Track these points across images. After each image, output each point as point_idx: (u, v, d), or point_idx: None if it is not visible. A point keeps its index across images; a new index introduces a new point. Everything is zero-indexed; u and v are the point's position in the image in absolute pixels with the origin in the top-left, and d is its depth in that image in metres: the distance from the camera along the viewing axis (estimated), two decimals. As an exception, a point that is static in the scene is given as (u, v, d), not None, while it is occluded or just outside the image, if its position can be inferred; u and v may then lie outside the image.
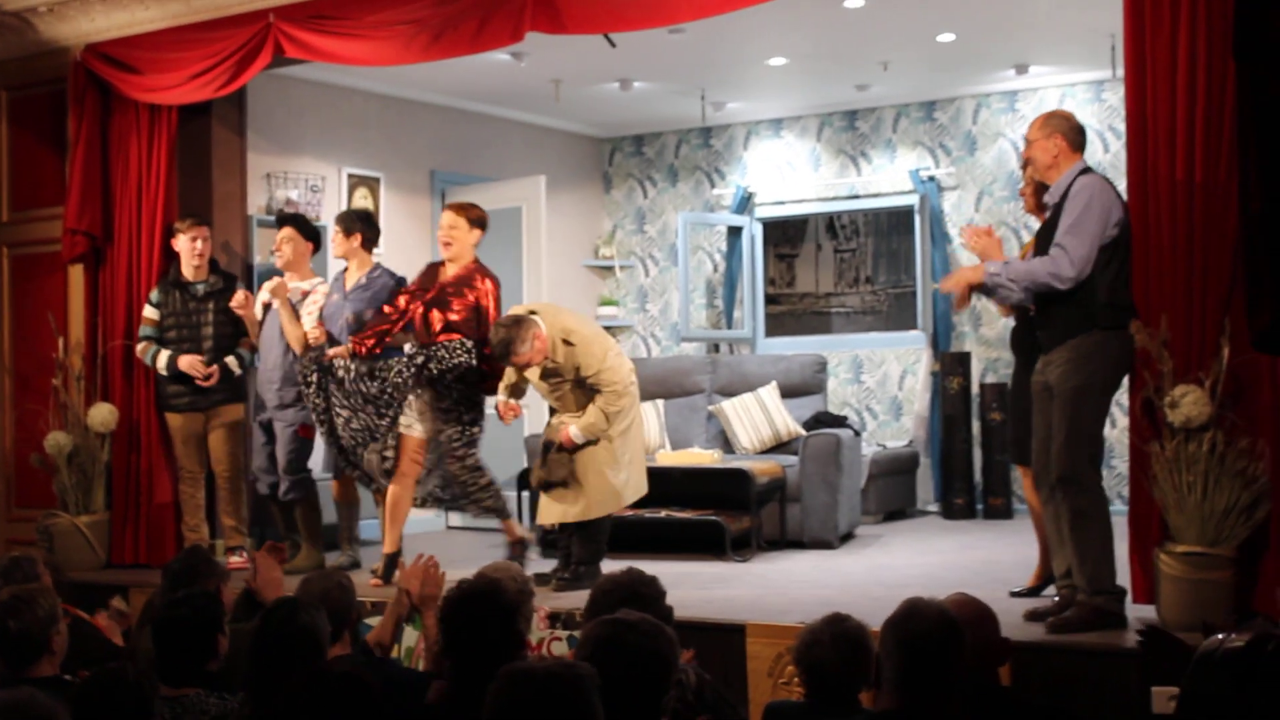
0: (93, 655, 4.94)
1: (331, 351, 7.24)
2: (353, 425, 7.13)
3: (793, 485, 8.37)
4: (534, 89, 10.19)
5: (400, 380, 7.12)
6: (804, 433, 8.80)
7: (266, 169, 9.27)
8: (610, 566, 6.45)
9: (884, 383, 10.90)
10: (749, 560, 7.86)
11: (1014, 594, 6.26)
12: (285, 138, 9.45)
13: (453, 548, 8.55)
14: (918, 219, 10.59)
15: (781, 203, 11.37)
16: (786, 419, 9.01)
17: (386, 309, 7.34)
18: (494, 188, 10.37)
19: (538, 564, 7.34)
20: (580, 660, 3.24)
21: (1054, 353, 5.47)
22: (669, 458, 8.48)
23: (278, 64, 7.86)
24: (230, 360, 7.88)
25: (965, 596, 4.04)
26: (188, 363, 7.79)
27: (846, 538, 8.65)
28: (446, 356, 7.09)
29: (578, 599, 5.83)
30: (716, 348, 11.43)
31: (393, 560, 7.03)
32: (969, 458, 10.00)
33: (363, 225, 7.73)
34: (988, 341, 10.43)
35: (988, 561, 7.61)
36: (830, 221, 11.32)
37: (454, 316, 7.10)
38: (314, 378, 7.22)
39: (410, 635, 5.54)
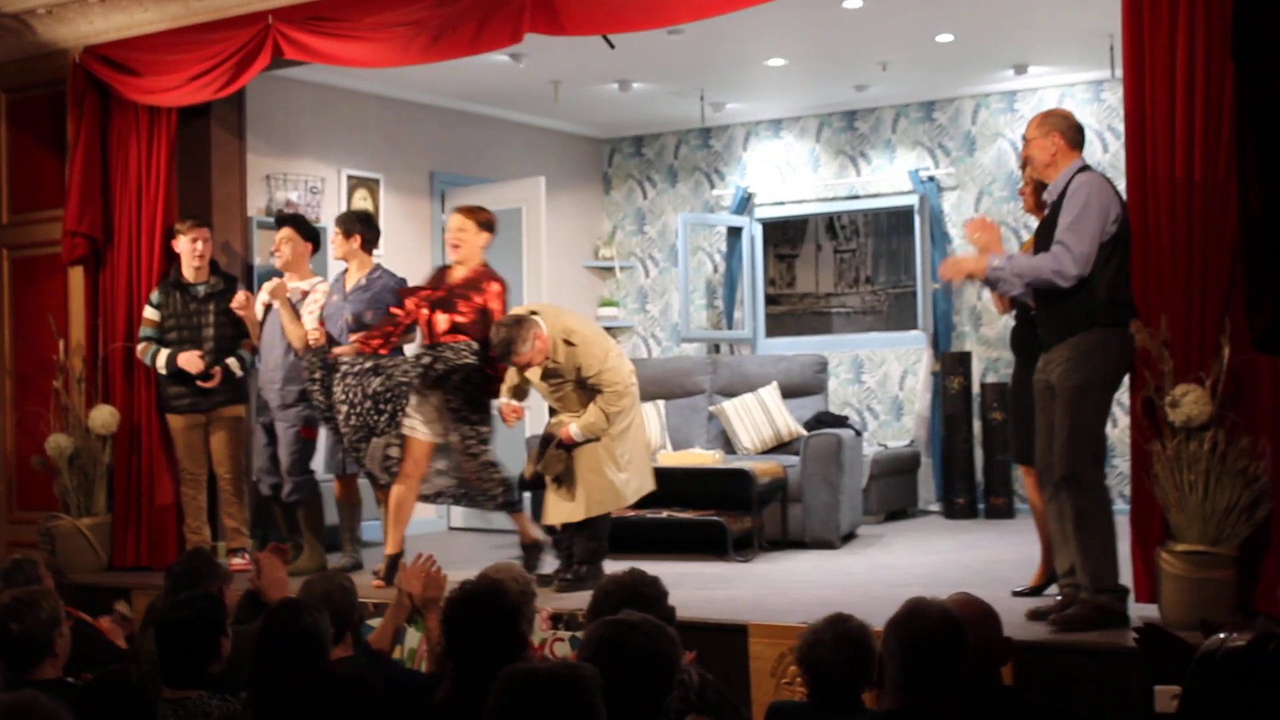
0: (95, 657, 4.93)
1: (337, 350, 7.24)
2: (351, 421, 7.12)
3: (794, 485, 8.37)
4: (533, 90, 10.20)
5: (405, 380, 7.12)
6: (805, 433, 8.81)
7: (266, 171, 9.27)
8: (612, 567, 6.45)
9: (885, 383, 10.91)
10: (751, 560, 7.86)
11: (1016, 593, 6.27)
12: (285, 139, 9.45)
13: (454, 549, 8.55)
14: (917, 219, 10.60)
15: (781, 203, 11.37)
16: (787, 419, 9.01)
17: (395, 311, 7.35)
18: (494, 189, 10.37)
19: (550, 565, 7.31)
20: (583, 661, 3.24)
21: (1054, 351, 5.48)
22: (670, 458, 8.49)
23: (277, 66, 7.87)
24: (231, 361, 7.89)
25: (967, 596, 4.04)
26: (186, 359, 7.79)
27: (848, 538, 8.65)
28: (452, 358, 7.10)
29: (580, 600, 5.84)
30: (717, 348, 11.43)
31: (395, 562, 7.02)
32: (970, 457, 10.00)
33: (362, 226, 7.75)
34: (988, 341, 10.44)
35: (989, 561, 7.61)
36: (830, 222, 11.32)
37: (461, 319, 7.11)
38: (318, 375, 7.22)
39: (413, 636, 5.55)
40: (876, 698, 3.72)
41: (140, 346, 7.94)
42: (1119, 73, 5.98)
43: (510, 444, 9.25)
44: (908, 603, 3.64)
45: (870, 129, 11.01)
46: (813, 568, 7.60)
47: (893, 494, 9.87)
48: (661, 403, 9.38)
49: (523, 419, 7.21)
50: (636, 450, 6.99)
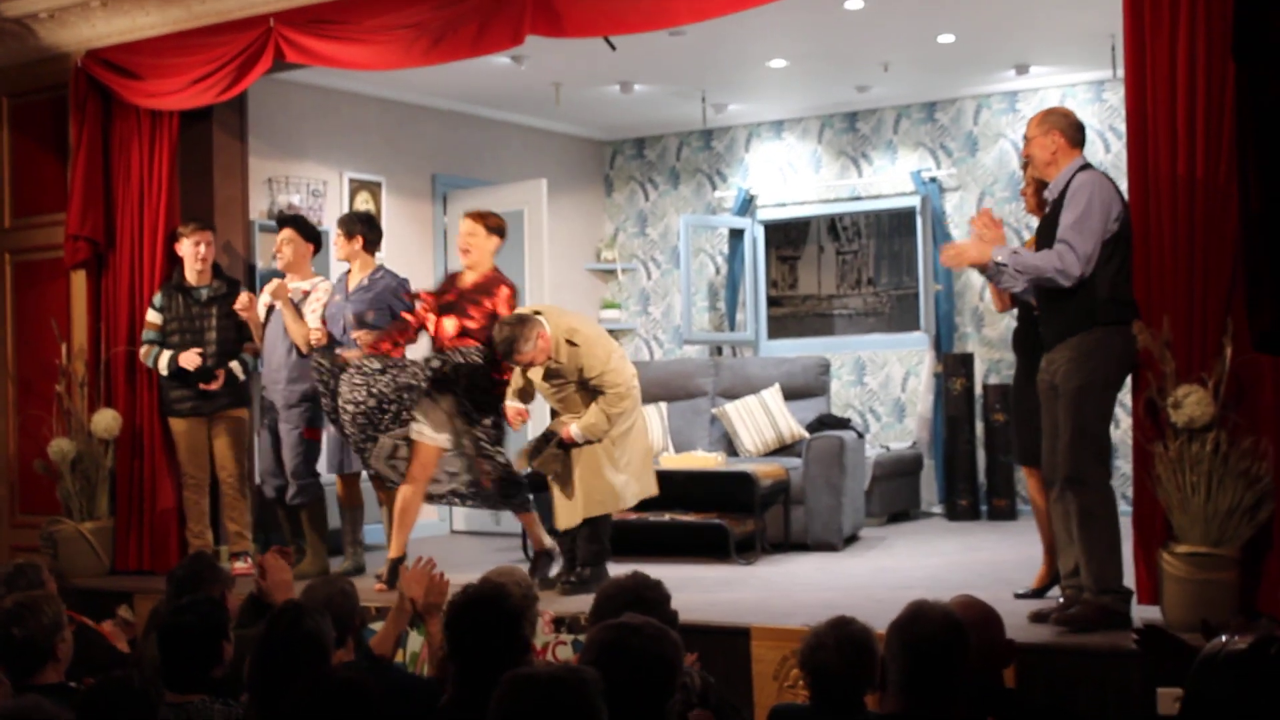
0: (98, 662, 4.94)
1: (346, 354, 7.25)
2: (359, 421, 7.12)
3: (796, 488, 8.37)
4: (535, 92, 10.20)
5: (414, 382, 7.13)
6: (807, 435, 8.80)
7: (268, 174, 9.28)
8: (614, 570, 6.46)
9: (887, 384, 10.90)
10: (753, 563, 7.86)
11: (1019, 595, 6.27)
12: (286, 142, 9.46)
13: (457, 552, 8.55)
14: (919, 220, 10.59)
15: (783, 205, 11.37)
16: (790, 421, 9.01)
17: (405, 315, 7.37)
18: (495, 191, 10.38)
19: (553, 569, 7.30)
20: (585, 665, 3.24)
21: (1056, 351, 5.48)
22: (672, 461, 8.49)
23: (278, 69, 7.87)
24: (234, 365, 7.89)
25: (970, 598, 4.04)
26: (188, 358, 7.79)
27: (850, 540, 8.65)
28: (462, 362, 7.11)
29: (583, 603, 5.83)
30: (719, 350, 11.43)
31: (397, 565, 7.02)
32: (972, 459, 10.00)
33: (363, 227, 7.76)
34: (990, 342, 10.43)
35: (992, 563, 7.61)
36: (832, 223, 11.32)
37: (471, 324, 7.11)
38: (326, 377, 7.22)
39: (415, 640, 5.55)
40: (879, 701, 3.72)
41: (143, 350, 7.95)
42: (1120, 73, 5.99)
43: (517, 446, 9.25)
44: (910, 605, 3.64)
45: (872, 130, 11.01)
46: (815, 570, 7.60)
47: (895, 496, 9.86)
48: (664, 405, 9.38)
49: (528, 421, 7.21)
50: (637, 454, 6.98)
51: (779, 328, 11.46)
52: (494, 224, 7.30)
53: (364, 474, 7.78)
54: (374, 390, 7.08)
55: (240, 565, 7.66)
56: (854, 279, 11.25)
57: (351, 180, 9.87)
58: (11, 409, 8.73)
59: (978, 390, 10.15)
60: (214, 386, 7.84)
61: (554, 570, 7.14)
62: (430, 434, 7.14)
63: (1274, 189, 4.55)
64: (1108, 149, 9.95)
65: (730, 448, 9.09)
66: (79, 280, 8.41)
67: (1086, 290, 5.37)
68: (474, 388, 7.14)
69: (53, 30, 8.41)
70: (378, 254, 7.87)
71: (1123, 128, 6.09)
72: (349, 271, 7.78)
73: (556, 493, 6.85)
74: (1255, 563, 5.19)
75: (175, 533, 8.07)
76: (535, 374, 6.88)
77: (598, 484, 6.80)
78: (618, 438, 6.85)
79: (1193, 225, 5.34)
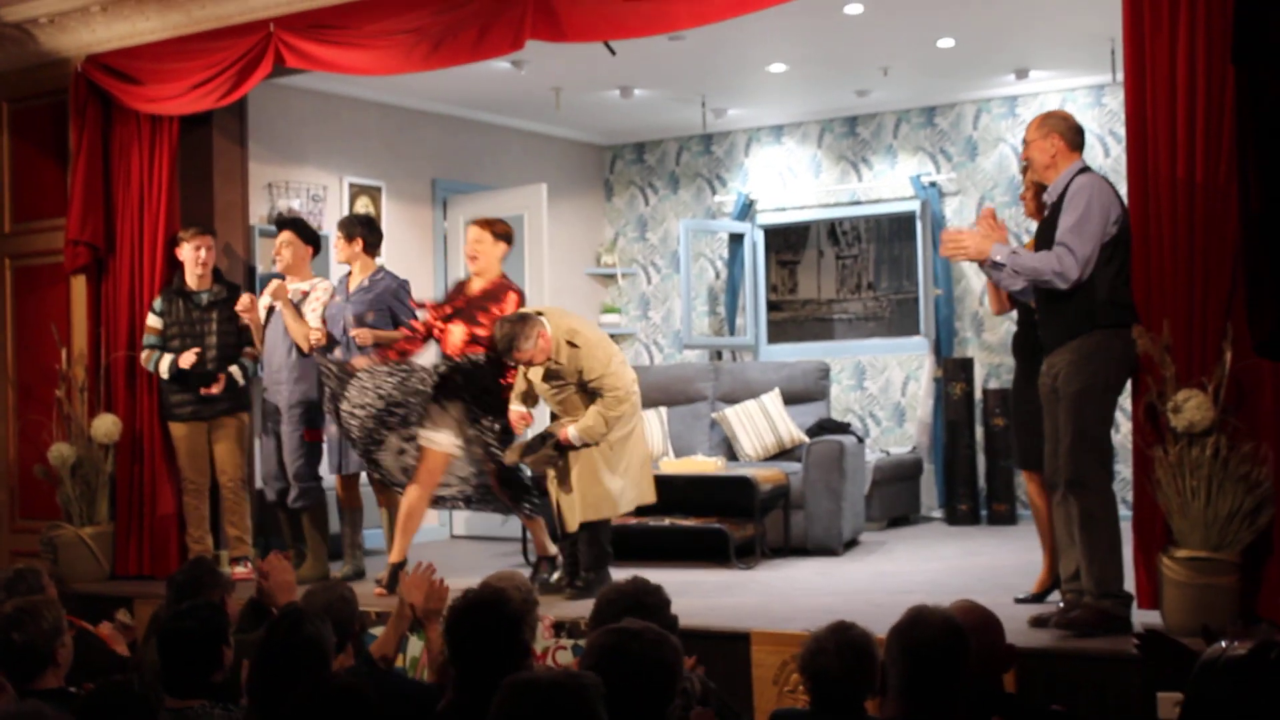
0: (98, 667, 4.94)
1: (356, 361, 7.26)
2: (368, 425, 7.13)
3: (796, 492, 8.37)
4: (535, 97, 10.21)
5: (423, 387, 7.14)
6: (807, 439, 8.80)
7: (268, 179, 9.28)
8: (615, 575, 6.46)
9: (887, 389, 10.90)
10: (753, 568, 7.85)
11: (1019, 600, 6.26)
12: (286, 147, 9.46)
13: (457, 556, 8.56)
14: (919, 225, 10.59)
15: (783, 209, 11.37)
16: (789, 426, 9.01)
17: (415, 324, 7.41)
18: (495, 196, 10.39)
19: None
20: (585, 669, 3.24)
21: (1056, 354, 5.48)
22: (672, 465, 8.48)
23: (278, 74, 7.87)
24: (234, 370, 7.89)
25: (970, 603, 4.04)
26: (185, 357, 7.79)
27: (850, 544, 8.65)
28: (470, 368, 7.12)
29: (583, 607, 5.83)
30: (719, 355, 11.43)
31: (398, 570, 7.03)
32: (972, 463, 9.99)
33: (363, 229, 7.78)
34: (990, 347, 10.43)
35: (992, 568, 7.61)
36: (832, 228, 11.32)
37: (480, 331, 7.12)
38: (333, 383, 7.23)
39: (415, 645, 5.54)
40: (879, 705, 3.72)
41: (144, 354, 7.95)
42: (1120, 77, 5.99)
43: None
44: (910, 610, 3.64)
45: (872, 134, 11.02)
46: (815, 575, 7.59)
47: (895, 500, 9.86)
48: (664, 409, 9.38)
49: (530, 425, 7.21)
50: (635, 460, 6.98)
51: (779, 332, 11.46)
52: (501, 230, 7.32)
53: (363, 476, 7.80)
54: (382, 393, 7.10)
55: (240, 570, 7.66)
56: (854, 283, 11.25)
57: (351, 185, 9.87)
58: (11, 414, 8.73)
59: (978, 395, 10.15)
60: (215, 390, 7.84)
61: (555, 575, 7.14)
62: (440, 440, 7.15)
63: (1274, 192, 4.56)
64: (1107, 153, 9.95)
65: (730, 452, 9.09)
66: (79, 285, 8.41)
67: (1085, 293, 5.37)
68: (486, 393, 7.15)
69: (53, 35, 8.42)
70: (378, 257, 7.88)
71: (1123, 132, 6.10)
72: (349, 274, 7.80)
73: (562, 497, 6.85)
74: (1255, 567, 5.19)
75: (175, 538, 8.07)
76: (535, 374, 6.89)
77: (595, 489, 6.80)
78: (616, 443, 6.85)
79: (1193, 229, 5.34)
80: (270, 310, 7.85)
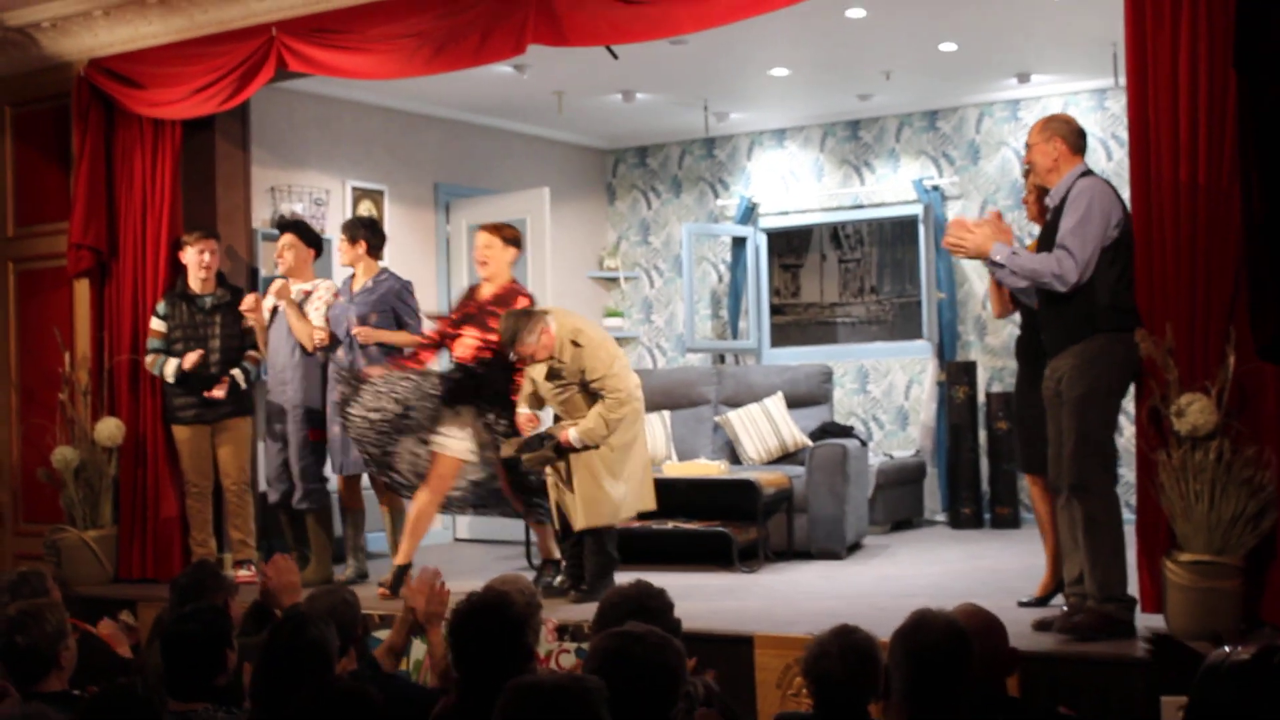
0: (101, 670, 4.94)
1: (370, 370, 7.27)
2: (381, 428, 7.14)
3: (799, 496, 8.36)
4: (537, 101, 10.21)
5: (436, 392, 7.16)
6: (810, 443, 8.80)
7: (271, 182, 9.29)
8: (618, 578, 6.47)
9: (890, 392, 10.90)
10: (756, 571, 7.85)
11: (1022, 604, 6.25)
12: (289, 151, 9.47)
13: (460, 560, 8.56)
14: (922, 228, 10.60)
15: (785, 213, 11.38)
16: (793, 429, 9.01)
17: (429, 332, 7.42)
18: (498, 200, 10.39)
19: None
20: (588, 673, 3.24)
21: (1060, 358, 5.48)
22: (676, 469, 8.48)
23: (281, 78, 7.88)
24: (236, 372, 7.89)
25: (973, 607, 4.04)
26: (189, 358, 7.79)
27: (854, 548, 8.64)
28: (482, 372, 7.14)
29: (586, 611, 5.83)
30: (722, 358, 11.43)
31: (403, 572, 7.04)
32: (976, 467, 9.99)
33: (366, 232, 7.79)
34: (993, 350, 10.43)
35: (995, 571, 7.60)
36: (834, 231, 11.33)
37: (492, 336, 7.13)
38: (346, 390, 7.24)
39: (418, 649, 5.54)
40: (882, 709, 3.72)
41: (149, 359, 7.95)
42: (1122, 81, 5.99)
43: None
44: (913, 614, 3.64)
45: (874, 138, 11.02)
46: (818, 578, 7.59)
47: (898, 504, 9.86)
48: (667, 413, 9.38)
49: (538, 428, 7.21)
50: (637, 468, 6.98)
51: (782, 336, 11.47)
52: (510, 235, 7.35)
53: (364, 478, 7.81)
54: (397, 397, 7.12)
55: (243, 573, 7.65)
56: (856, 287, 11.25)
57: (354, 189, 9.88)
58: (15, 417, 8.74)
59: (980, 398, 10.15)
60: (218, 393, 7.83)
61: (558, 579, 7.14)
62: (453, 446, 7.17)
63: (1276, 196, 4.56)
64: (1110, 157, 9.95)
65: (733, 456, 9.09)
66: (82, 289, 8.42)
67: (1087, 297, 5.37)
68: (498, 397, 7.17)
69: (55, 39, 8.43)
70: (381, 259, 7.89)
71: (1125, 135, 6.10)
72: (353, 276, 7.81)
73: (565, 496, 6.85)
74: (1258, 571, 5.19)
75: (178, 541, 8.07)
76: (539, 373, 6.90)
77: (596, 495, 6.80)
78: (619, 449, 6.85)
79: (1195, 233, 5.33)
80: (274, 311, 7.86)
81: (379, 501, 7.88)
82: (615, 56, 7.51)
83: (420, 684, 5.30)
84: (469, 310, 7.27)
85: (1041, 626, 5.54)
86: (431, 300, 10.14)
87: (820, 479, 8.41)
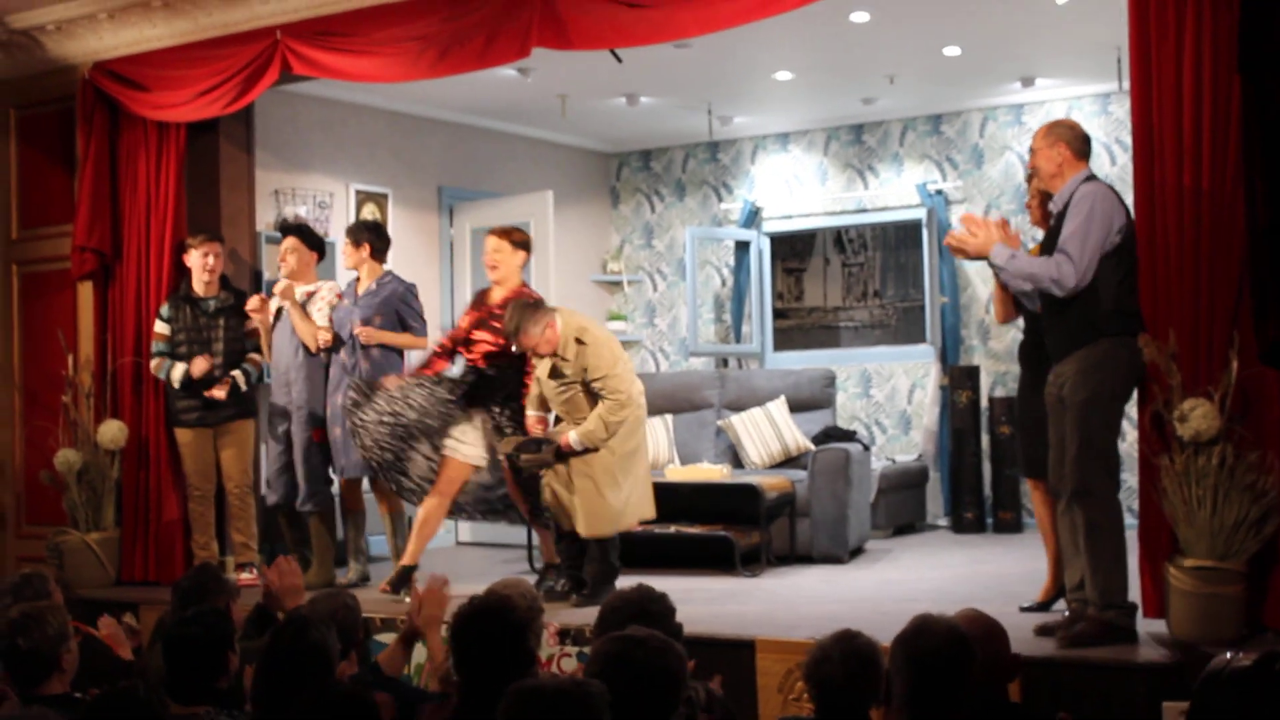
0: (103, 672, 4.94)
1: (387, 381, 7.28)
2: (398, 432, 7.15)
3: (802, 500, 8.36)
4: (541, 104, 10.22)
5: (451, 397, 7.17)
6: (813, 447, 8.80)
7: (274, 185, 9.29)
8: (619, 582, 6.46)
9: (893, 397, 10.90)
10: (758, 575, 7.85)
11: (1024, 609, 6.25)
12: (293, 154, 9.48)
13: (462, 563, 8.57)
14: (925, 232, 10.58)
15: (789, 217, 11.38)
16: (795, 433, 9.01)
17: (444, 340, 7.45)
18: (502, 203, 10.40)
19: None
20: (589, 677, 3.24)
21: (1063, 364, 5.47)
22: (678, 473, 8.48)
23: (285, 81, 7.88)
24: (236, 374, 7.89)
25: (975, 612, 4.03)
26: (198, 364, 7.80)
27: (856, 552, 8.64)
28: (494, 375, 7.15)
29: (588, 615, 5.83)
30: (725, 362, 11.42)
31: (409, 573, 7.07)
32: (978, 471, 9.99)
33: (371, 235, 7.80)
34: (996, 355, 10.43)
35: (998, 576, 7.60)
36: (838, 235, 11.33)
37: (502, 339, 7.14)
38: (359, 398, 7.24)
39: (420, 652, 5.54)
40: (883, 715, 3.71)
41: (154, 362, 7.95)
42: (1126, 85, 5.97)
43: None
44: (915, 619, 3.63)
45: (878, 142, 11.02)
46: (820, 583, 7.59)
47: (901, 508, 9.86)
48: (669, 417, 9.38)
49: (546, 430, 7.22)
50: (638, 476, 6.98)
51: (785, 340, 11.47)
52: (519, 239, 7.36)
53: (364, 480, 7.81)
54: (413, 403, 7.13)
55: (246, 576, 7.66)
56: (860, 291, 11.25)
57: (358, 192, 9.89)
58: (18, 420, 8.74)
59: (983, 403, 10.14)
60: (219, 394, 7.82)
61: (560, 582, 7.14)
62: (464, 451, 7.18)
63: (1280, 202, 4.56)
64: (1114, 161, 9.95)
65: (736, 460, 9.09)
66: (86, 291, 8.42)
67: (1090, 302, 5.37)
68: (510, 400, 7.18)
69: (60, 42, 8.44)
70: (385, 263, 7.89)
71: (1129, 140, 6.10)
72: (357, 279, 7.82)
73: (566, 498, 6.84)
74: (1261, 577, 5.18)
75: (181, 544, 8.07)
76: (542, 370, 6.91)
77: (599, 504, 6.79)
78: (623, 456, 6.85)
79: (1199, 237, 5.33)
80: (278, 313, 7.87)
81: (379, 505, 7.89)
82: (619, 60, 7.51)
83: (422, 688, 5.29)
84: (480, 315, 7.29)
85: (1043, 632, 5.54)
86: (435, 303, 10.15)
87: (823, 483, 8.41)
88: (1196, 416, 5.16)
